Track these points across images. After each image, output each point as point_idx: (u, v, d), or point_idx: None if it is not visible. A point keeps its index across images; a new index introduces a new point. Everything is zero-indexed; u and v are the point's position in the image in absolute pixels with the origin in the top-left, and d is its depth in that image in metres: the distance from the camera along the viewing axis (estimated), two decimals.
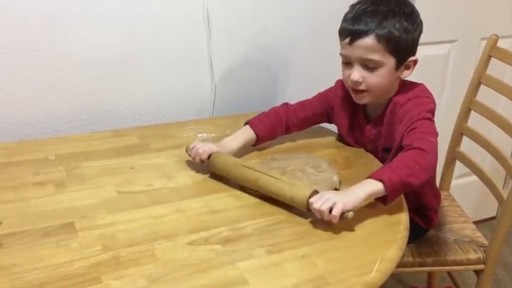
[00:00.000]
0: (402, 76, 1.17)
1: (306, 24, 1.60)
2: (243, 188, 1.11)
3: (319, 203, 0.95)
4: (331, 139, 1.37)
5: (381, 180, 0.98)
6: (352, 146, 1.31)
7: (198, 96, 1.56)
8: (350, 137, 1.31)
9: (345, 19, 1.15)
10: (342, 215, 0.95)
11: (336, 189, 1.11)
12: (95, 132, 1.39)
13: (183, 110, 1.55)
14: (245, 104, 1.61)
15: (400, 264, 0.97)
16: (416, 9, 1.15)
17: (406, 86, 1.20)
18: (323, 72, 1.64)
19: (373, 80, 1.13)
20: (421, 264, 1.32)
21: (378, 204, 1.05)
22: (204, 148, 1.16)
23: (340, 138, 1.35)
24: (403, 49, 1.12)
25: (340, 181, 1.13)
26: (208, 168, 1.16)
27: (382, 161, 1.24)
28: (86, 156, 1.24)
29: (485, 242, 1.37)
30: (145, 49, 1.44)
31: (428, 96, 1.18)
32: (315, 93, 1.35)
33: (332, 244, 0.95)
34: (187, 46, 1.49)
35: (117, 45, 1.41)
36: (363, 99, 1.19)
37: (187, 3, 1.44)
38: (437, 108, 1.19)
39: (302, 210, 1.01)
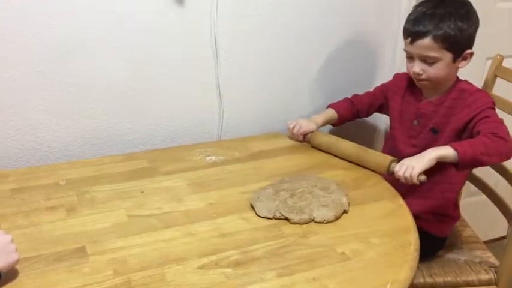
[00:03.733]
0: (460, 66, 1.30)
1: (312, 47, 1.63)
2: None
3: (402, 171, 1.18)
4: (339, 161, 1.38)
5: (455, 149, 1.15)
6: (396, 128, 1.43)
7: (206, 120, 1.58)
8: (398, 113, 1.42)
9: (408, 20, 1.29)
10: (418, 177, 1.16)
11: (345, 211, 1.12)
12: (105, 157, 1.41)
13: (191, 133, 1.56)
14: (252, 126, 1.62)
15: (412, 286, 0.96)
16: (472, 8, 1.28)
17: (461, 81, 1.34)
18: (329, 92, 1.66)
19: (432, 72, 1.27)
20: (432, 286, 1.31)
21: (389, 226, 1.06)
22: (303, 129, 1.46)
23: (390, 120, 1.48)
24: (459, 45, 1.26)
25: (349, 202, 1.14)
26: (310, 142, 1.44)
27: (426, 140, 1.33)
28: (97, 181, 1.26)
29: (496, 263, 1.36)
30: (154, 74, 1.47)
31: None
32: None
33: (343, 266, 0.95)
34: (195, 70, 1.51)
35: (126, 71, 1.43)
36: (425, 86, 1.34)
37: (195, 28, 1.46)
38: None
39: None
